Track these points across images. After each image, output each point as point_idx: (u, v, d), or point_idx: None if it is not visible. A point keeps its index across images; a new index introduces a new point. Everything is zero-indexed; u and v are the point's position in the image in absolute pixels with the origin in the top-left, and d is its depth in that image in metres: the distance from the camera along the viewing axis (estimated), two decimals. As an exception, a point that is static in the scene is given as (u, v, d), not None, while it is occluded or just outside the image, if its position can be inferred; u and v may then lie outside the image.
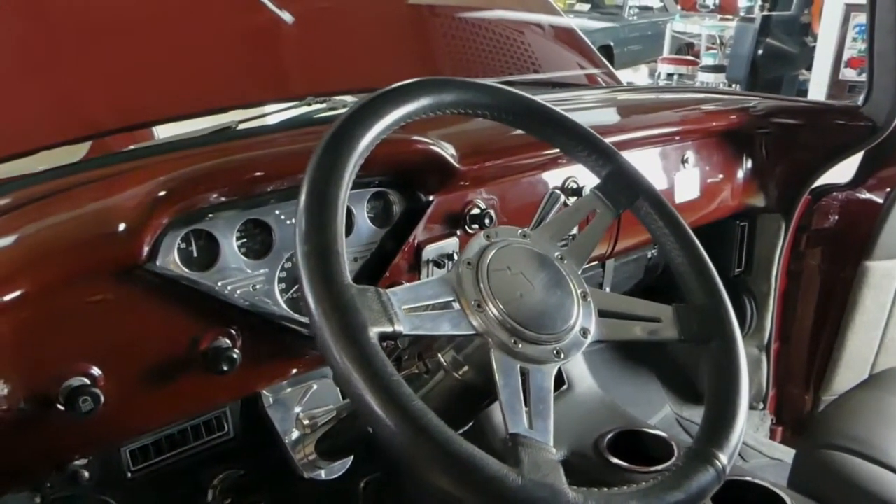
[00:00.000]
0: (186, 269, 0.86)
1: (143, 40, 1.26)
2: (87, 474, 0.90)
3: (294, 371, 0.99)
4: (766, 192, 1.62)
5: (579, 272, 0.78)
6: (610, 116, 1.45)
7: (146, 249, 0.80)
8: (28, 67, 1.17)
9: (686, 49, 8.45)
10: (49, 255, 0.78)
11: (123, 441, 0.94)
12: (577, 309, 0.73)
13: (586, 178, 1.18)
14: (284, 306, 0.94)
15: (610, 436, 1.18)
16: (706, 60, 7.58)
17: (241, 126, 1.20)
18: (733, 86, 6.43)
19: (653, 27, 8.90)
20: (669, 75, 7.20)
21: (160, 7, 1.30)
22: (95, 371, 0.80)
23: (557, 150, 0.90)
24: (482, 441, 0.59)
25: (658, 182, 1.36)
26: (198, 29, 1.33)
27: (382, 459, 1.15)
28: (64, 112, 1.19)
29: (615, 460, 1.12)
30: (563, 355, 0.69)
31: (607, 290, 1.51)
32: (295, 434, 1.03)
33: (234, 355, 0.87)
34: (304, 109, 1.29)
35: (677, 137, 1.41)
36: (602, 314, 0.75)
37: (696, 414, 1.88)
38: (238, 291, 0.91)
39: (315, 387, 1.07)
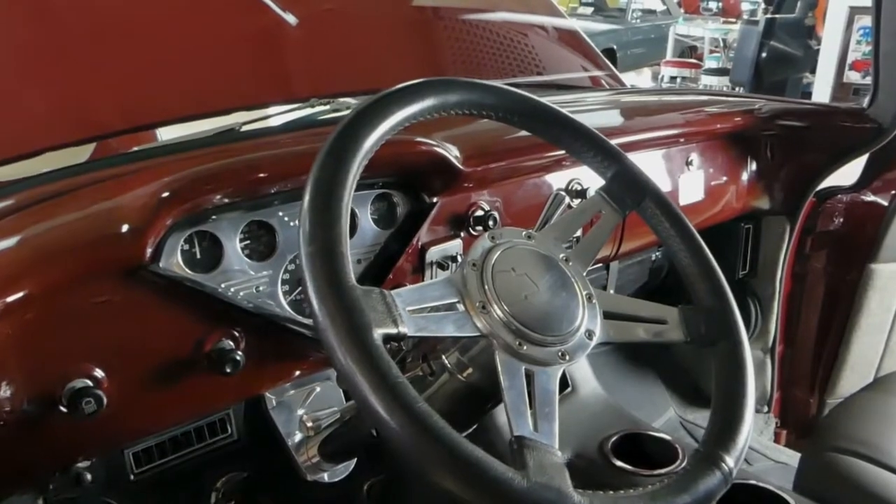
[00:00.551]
0: (190, 271, 0.86)
1: (147, 42, 1.26)
2: (89, 476, 0.90)
3: (297, 373, 0.99)
4: (771, 194, 1.62)
5: (584, 274, 0.77)
6: (614, 118, 1.44)
7: (150, 250, 0.80)
8: (33, 69, 1.17)
9: (689, 52, 8.44)
10: (53, 256, 0.78)
11: (126, 443, 0.94)
12: (582, 311, 0.72)
13: (590, 179, 1.17)
14: (288, 308, 0.94)
15: (614, 438, 1.17)
16: (709, 63, 7.59)
17: (245, 128, 1.20)
18: (737, 89, 6.43)
19: (656, 30, 8.89)
20: (672, 78, 7.20)
21: (165, 9, 1.30)
22: (98, 373, 0.79)
23: (561, 151, 0.90)
24: (487, 443, 0.59)
25: (663, 184, 1.36)
26: (202, 31, 1.33)
27: (386, 462, 1.15)
28: (69, 113, 1.19)
29: (619, 463, 1.12)
30: (568, 357, 0.69)
31: (611, 292, 1.51)
32: (298, 436, 1.03)
33: (238, 357, 0.86)
34: (308, 111, 1.29)
35: (682, 139, 1.41)
36: (607, 316, 0.75)
37: (699, 417, 1.88)
38: (241, 293, 0.90)
39: (318, 389, 1.07)
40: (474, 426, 0.78)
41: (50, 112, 1.17)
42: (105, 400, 0.78)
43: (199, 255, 0.88)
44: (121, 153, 1.14)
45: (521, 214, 1.13)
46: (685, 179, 1.42)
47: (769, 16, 6.50)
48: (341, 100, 1.32)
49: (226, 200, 0.87)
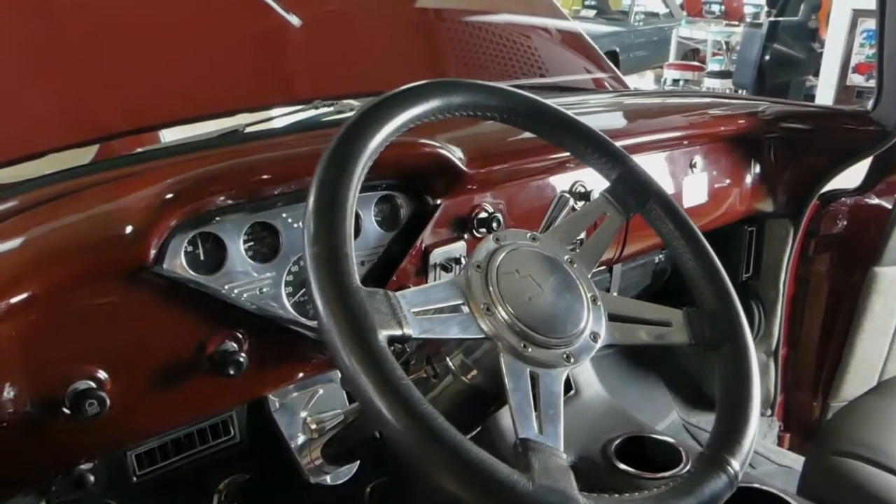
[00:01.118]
0: (193, 273, 0.86)
1: (151, 44, 1.26)
2: (92, 478, 0.90)
3: (301, 375, 0.99)
4: (775, 197, 1.61)
5: (589, 276, 0.77)
6: (617, 120, 1.44)
7: (153, 252, 0.80)
8: (37, 71, 1.17)
9: (692, 55, 8.44)
10: (56, 257, 0.78)
11: (129, 445, 0.94)
12: (587, 313, 0.72)
13: (594, 182, 1.17)
14: (291, 310, 0.94)
15: (618, 441, 1.17)
16: (712, 66, 7.58)
17: (249, 129, 1.20)
18: (740, 91, 6.43)
19: (658, 33, 8.88)
20: (675, 81, 7.21)
21: (168, 11, 1.30)
22: (101, 374, 0.79)
23: (565, 153, 0.89)
24: (491, 446, 0.59)
25: (666, 186, 1.35)
26: (205, 32, 1.33)
27: (389, 464, 1.14)
28: (72, 115, 1.19)
29: (623, 466, 1.12)
30: (573, 359, 0.69)
31: (615, 294, 1.51)
32: (301, 438, 1.03)
33: (241, 359, 0.86)
34: (312, 113, 1.29)
35: (685, 142, 1.41)
36: (612, 318, 0.75)
37: (703, 420, 1.87)
38: (245, 295, 0.90)
39: (321, 391, 1.07)
40: (478, 428, 0.78)
41: (53, 114, 1.18)
42: (108, 401, 0.78)
43: (202, 257, 0.87)
44: (124, 155, 1.14)
45: (524, 216, 1.13)
46: (688, 182, 1.42)
47: (772, 19, 6.51)
48: (345, 101, 1.32)
49: (229, 202, 0.87)
